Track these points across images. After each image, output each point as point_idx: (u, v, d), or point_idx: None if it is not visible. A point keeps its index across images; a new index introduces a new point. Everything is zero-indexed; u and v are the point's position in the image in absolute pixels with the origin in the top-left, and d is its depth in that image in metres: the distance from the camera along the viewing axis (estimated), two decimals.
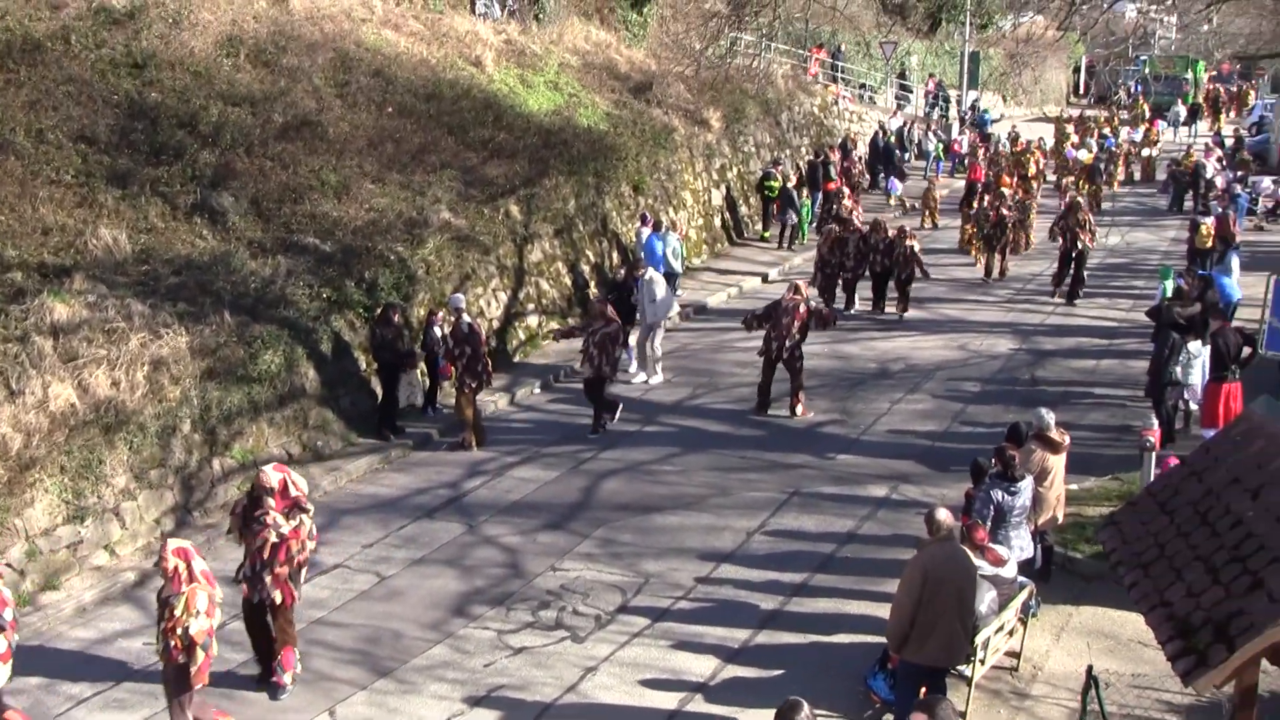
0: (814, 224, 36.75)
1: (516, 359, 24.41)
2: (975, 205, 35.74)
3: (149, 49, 23.22)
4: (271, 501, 12.58)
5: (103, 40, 22.83)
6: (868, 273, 29.18)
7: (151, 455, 16.79)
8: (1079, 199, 30.92)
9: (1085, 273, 29.90)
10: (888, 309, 28.90)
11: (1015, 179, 39.85)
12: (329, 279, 21.12)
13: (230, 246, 20.59)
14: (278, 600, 12.72)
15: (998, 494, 13.76)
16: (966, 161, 44.85)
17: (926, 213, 39.68)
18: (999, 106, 65.84)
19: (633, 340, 24.11)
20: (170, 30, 23.99)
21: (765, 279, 32.31)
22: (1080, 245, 29.16)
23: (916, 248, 28.52)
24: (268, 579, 12.63)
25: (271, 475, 12.73)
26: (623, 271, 24.63)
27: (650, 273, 24.20)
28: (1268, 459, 9.42)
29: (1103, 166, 46.07)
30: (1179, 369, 19.75)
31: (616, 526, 17.17)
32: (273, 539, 12.49)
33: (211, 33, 24.64)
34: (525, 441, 20.54)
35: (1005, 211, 32.19)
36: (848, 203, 33.46)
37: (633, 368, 24.05)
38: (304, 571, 13.15)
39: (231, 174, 21.91)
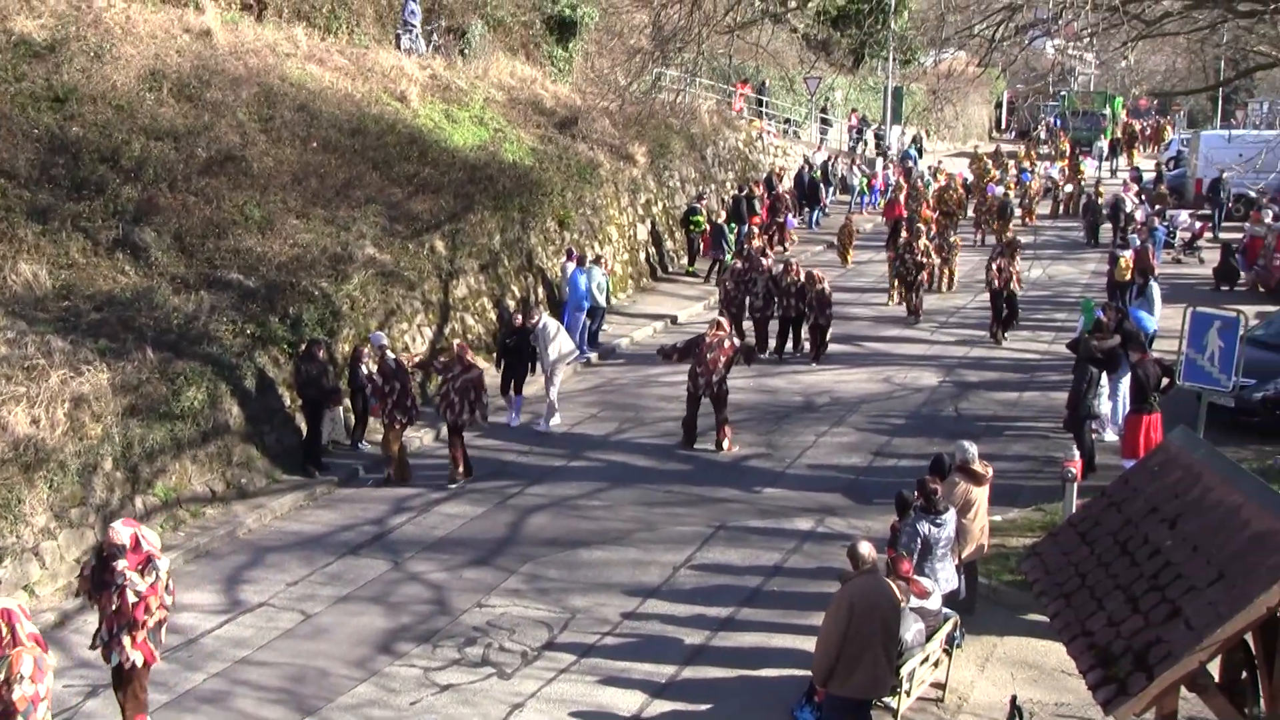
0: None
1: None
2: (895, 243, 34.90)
3: (70, 83, 23.02)
4: (124, 561, 11.85)
5: (23, 73, 22.60)
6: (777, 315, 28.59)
7: (72, 494, 16.57)
8: (1018, 238, 30.91)
9: (1017, 307, 29.72)
10: (795, 353, 28.43)
11: (937, 215, 40.00)
12: (253, 315, 20.97)
13: (153, 282, 20.40)
14: (138, 663, 12.05)
15: (924, 527, 13.86)
16: (890, 197, 45.14)
17: (840, 250, 39.69)
18: (923, 141, 66.58)
19: (539, 387, 23.80)
20: (92, 64, 23.79)
21: (674, 321, 31.94)
22: (1011, 286, 28.93)
23: (828, 290, 27.89)
24: (126, 641, 11.98)
25: (121, 531, 12.00)
26: (519, 317, 23.83)
27: (544, 319, 23.51)
28: (1184, 489, 9.57)
29: (1018, 202, 46.74)
30: (1095, 401, 20.07)
31: (543, 562, 17.13)
32: (130, 598, 11.82)
33: (134, 67, 24.46)
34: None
35: (922, 259, 32.00)
36: (758, 242, 32.95)
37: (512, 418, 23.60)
38: (163, 629, 12.44)
39: (154, 209, 21.72)
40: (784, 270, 28.42)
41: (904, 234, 33.52)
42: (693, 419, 21.98)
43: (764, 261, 29.11)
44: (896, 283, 33.10)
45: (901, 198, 42.98)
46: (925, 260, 32.27)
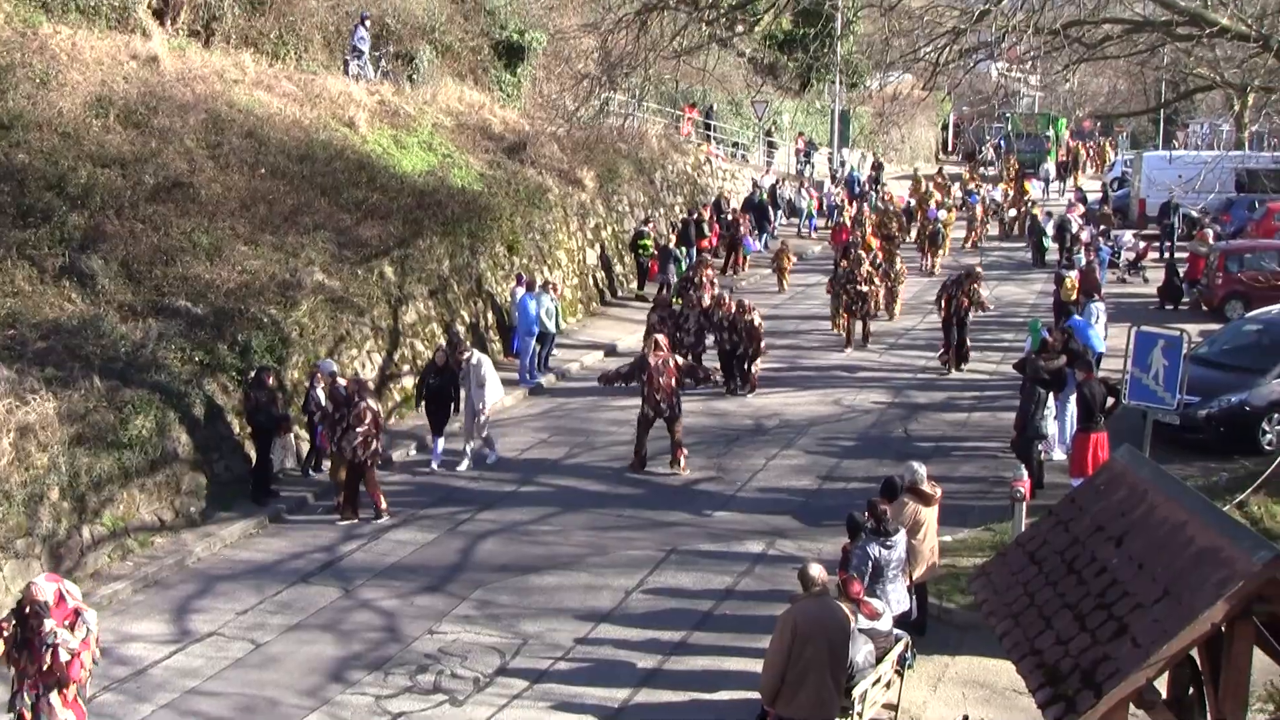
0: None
1: (391, 421, 24.19)
2: (836, 269, 33.63)
3: (15, 109, 22.89)
4: (51, 620, 11.30)
5: None
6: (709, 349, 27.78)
7: (18, 524, 16.40)
8: (977, 268, 29.95)
9: (968, 337, 29.25)
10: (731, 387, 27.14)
11: (880, 240, 39.59)
12: (201, 342, 20.87)
13: (100, 310, 20.29)
14: None
15: (874, 549, 13.91)
16: (837, 221, 44.94)
17: (777, 274, 39.43)
18: (882, 165, 66.68)
19: (456, 426, 22.80)
20: (38, 90, 23.67)
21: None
22: (963, 314, 28.57)
23: (757, 321, 26.95)
24: (56, 701, 11.43)
25: (44, 587, 11.43)
26: (441, 354, 22.55)
27: (477, 355, 22.48)
28: (1130, 507, 9.67)
29: (965, 223, 47.10)
30: (1042, 421, 20.26)
31: (494, 588, 17.09)
32: (63, 656, 11.30)
33: (80, 93, 24.36)
34: (402, 504, 20.36)
35: (865, 287, 31.07)
36: (710, 271, 31.64)
37: (464, 465, 22.23)
38: (88, 685, 12.04)
39: (101, 236, 21.61)
40: (715, 304, 27.73)
41: (843, 262, 32.74)
42: (644, 443, 22.00)
43: (701, 295, 28.47)
44: (842, 311, 31.81)
45: (848, 222, 42.73)
46: (870, 288, 31.46)
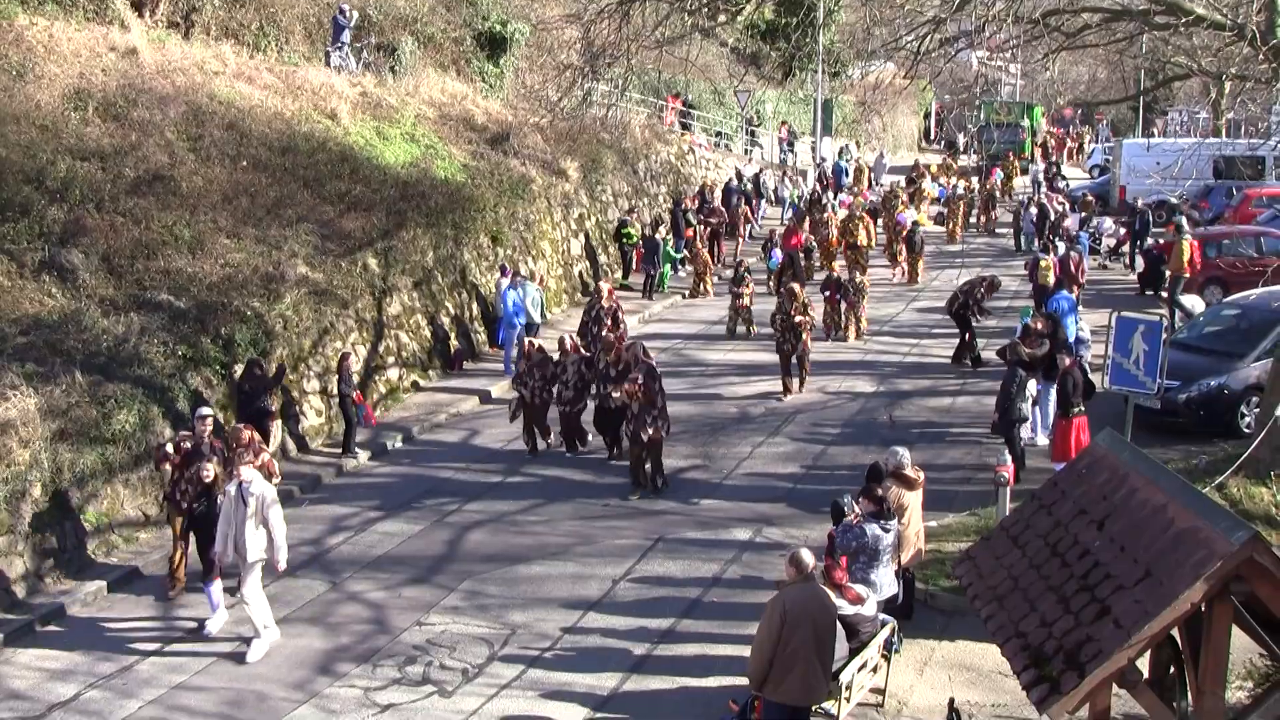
0: (676, 272, 37.43)
1: (378, 413, 24.15)
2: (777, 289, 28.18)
3: None
4: None
5: None
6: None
7: (0, 521, 16.35)
8: (985, 275, 28.62)
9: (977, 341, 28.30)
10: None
11: (844, 248, 37.77)
12: (184, 336, 20.82)
13: (81, 304, 20.22)
14: None
15: (872, 529, 13.91)
16: (790, 223, 41.52)
17: (696, 282, 36.99)
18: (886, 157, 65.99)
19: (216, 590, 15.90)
20: (14, 83, 23.58)
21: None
22: (975, 319, 27.88)
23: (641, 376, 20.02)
24: None
25: None
26: (208, 470, 16.28)
27: (255, 480, 15.06)
28: (1111, 491, 9.73)
29: (947, 213, 46.96)
30: (1023, 404, 20.36)
31: (482, 578, 17.10)
32: None
33: (58, 86, 24.27)
34: (388, 496, 20.37)
35: (798, 319, 25.41)
36: (606, 302, 25.89)
37: (213, 620, 15.80)
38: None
39: (81, 230, 21.53)
40: (603, 347, 22.89)
41: (783, 283, 28.16)
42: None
43: (569, 340, 22.90)
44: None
45: (805, 224, 40.34)
46: (803, 319, 25.61)
